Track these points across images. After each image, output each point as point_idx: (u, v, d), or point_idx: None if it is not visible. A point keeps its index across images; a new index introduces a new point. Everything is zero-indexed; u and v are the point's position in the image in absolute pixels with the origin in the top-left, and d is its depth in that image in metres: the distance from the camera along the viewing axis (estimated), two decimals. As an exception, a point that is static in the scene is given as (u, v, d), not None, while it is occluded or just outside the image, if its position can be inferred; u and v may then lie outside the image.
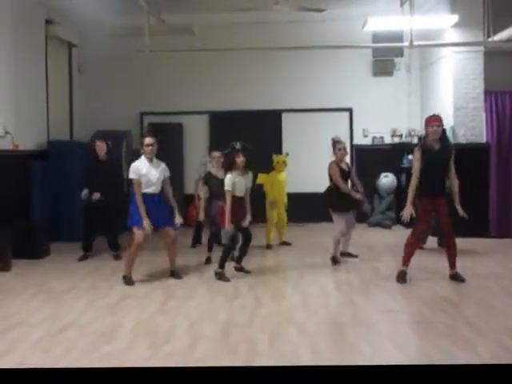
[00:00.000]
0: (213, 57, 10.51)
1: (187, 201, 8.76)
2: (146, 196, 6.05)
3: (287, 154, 8.40)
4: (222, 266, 6.25)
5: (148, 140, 6.11)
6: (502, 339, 4.18)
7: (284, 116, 11.10)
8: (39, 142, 9.13)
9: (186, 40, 10.29)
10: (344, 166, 6.95)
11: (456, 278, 6.00)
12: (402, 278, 5.98)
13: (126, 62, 10.81)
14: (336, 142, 6.93)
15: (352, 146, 10.74)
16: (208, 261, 7.12)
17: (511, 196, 9.03)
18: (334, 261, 6.90)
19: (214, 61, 10.69)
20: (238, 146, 6.23)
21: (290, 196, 8.46)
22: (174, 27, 10.09)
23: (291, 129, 10.96)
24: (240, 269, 6.53)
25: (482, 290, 5.70)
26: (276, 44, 9.88)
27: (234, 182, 6.17)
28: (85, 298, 5.56)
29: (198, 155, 9.59)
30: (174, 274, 6.35)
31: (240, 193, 6.26)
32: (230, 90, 10.97)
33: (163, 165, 6.27)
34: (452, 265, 6.06)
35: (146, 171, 6.07)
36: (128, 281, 6.09)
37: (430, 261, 6.95)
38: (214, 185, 7.00)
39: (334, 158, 6.93)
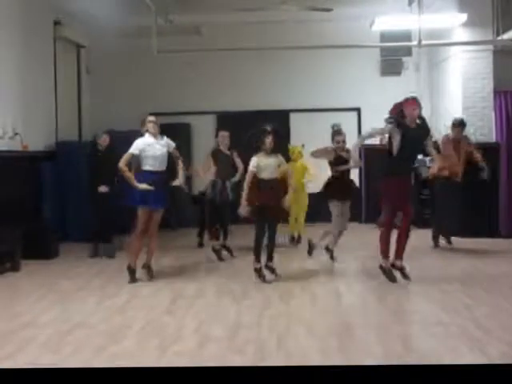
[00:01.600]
0: (220, 57, 10.50)
1: (195, 201, 8.74)
2: (148, 173, 5.98)
3: (303, 146, 8.39)
4: (257, 259, 6.11)
5: (150, 117, 6.18)
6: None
7: (292, 116, 11.09)
8: (48, 142, 9.16)
9: (194, 40, 10.32)
10: (342, 154, 6.86)
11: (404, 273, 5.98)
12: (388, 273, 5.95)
13: (134, 62, 10.83)
14: (335, 133, 6.89)
15: (361, 145, 10.67)
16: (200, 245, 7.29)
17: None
18: (330, 254, 6.92)
19: (222, 61, 10.68)
20: (268, 127, 6.20)
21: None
22: (182, 28, 10.11)
23: (299, 129, 10.92)
24: (270, 268, 6.27)
25: (492, 290, 5.65)
26: (284, 44, 9.86)
27: (259, 165, 6.08)
28: (93, 298, 5.57)
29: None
30: (148, 268, 6.22)
31: (267, 175, 6.10)
32: (238, 90, 10.97)
33: (166, 138, 6.23)
34: (400, 254, 6.00)
35: (149, 147, 6.03)
36: (131, 273, 6.01)
37: (441, 260, 6.92)
38: (222, 159, 7.18)
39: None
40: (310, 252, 7.14)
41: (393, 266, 5.99)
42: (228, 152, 7.40)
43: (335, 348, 4.08)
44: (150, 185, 5.89)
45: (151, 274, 6.24)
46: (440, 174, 7.37)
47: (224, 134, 7.39)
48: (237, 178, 7.32)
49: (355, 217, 9.70)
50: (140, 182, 5.93)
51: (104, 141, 7.71)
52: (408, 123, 5.91)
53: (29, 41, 8.64)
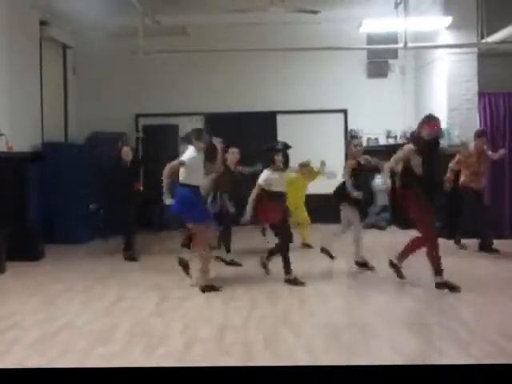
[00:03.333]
0: (208, 58, 10.51)
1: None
2: (193, 188, 5.83)
3: (323, 163, 8.05)
4: (287, 271, 6.13)
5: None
6: (498, 341, 4.19)
7: (279, 117, 11.12)
8: (34, 143, 9.10)
9: (181, 41, 10.32)
10: (361, 160, 6.65)
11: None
12: (452, 287, 5.67)
13: (121, 63, 10.80)
14: (353, 137, 6.78)
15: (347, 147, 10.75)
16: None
17: (505, 197, 9.05)
18: (327, 254, 6.93)
19: (209, 62, 10.69)
20: (279, 145, 6.29)
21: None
22: (169, 28, 10.11)
23: (286, 130, 10.96)
24: (263, 264, 6.42)
25: (479, 291, 5.68)
26: (271, 45, 9.90)
27: (270, 178, 6.15)
28: (80, 300, 5.55)
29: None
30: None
31: (279, 188, 6.20)
32: (225, 91, 10.98)
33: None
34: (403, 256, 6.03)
35: (197, 163, 5.88)
36: (211, 288, 5.79)
37: (427, 262, 6.97)
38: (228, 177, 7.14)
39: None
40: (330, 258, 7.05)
41: (391, 263, 6.02)
42: (233, 169, 7.24)
43: (322, 349, 4.10)
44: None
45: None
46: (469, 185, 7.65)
47: (234, 151, 7.29)
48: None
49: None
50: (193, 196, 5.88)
51: (127, 154, 7.73)
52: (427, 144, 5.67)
53: (15, 41, 8.59)
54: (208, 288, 5.78)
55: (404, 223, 8.99)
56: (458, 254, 7.61)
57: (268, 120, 11.04)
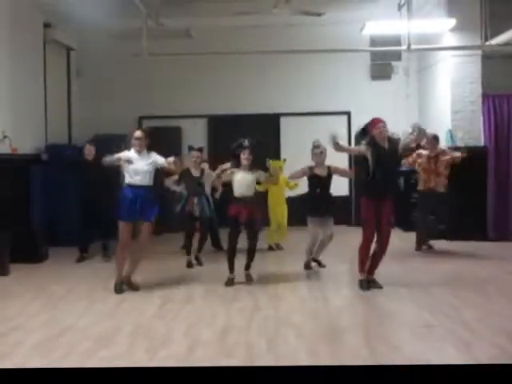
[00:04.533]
0: (211, 60, 10.52)
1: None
2: (130, 187, 5.94)
3: (284, 160, 8.35)
4: (230, 267, 6.17)
5: (136, 133, 6.09)
6: (500, 342, 4.18)
7: (282, 120, 11.13)
8: (37, 145, 9.13)
9: (185, 43, 10.33)
10: (319, 172, 6.62)
11: (374, 284, 5.95)
12: (363, 286, 5.88)
13: (125, 65, 10.81)
14: (314, 147, 6.69)
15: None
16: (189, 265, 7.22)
17: (509, 199, 9.04)
18: (306, 266, 6.80)
19: (213, 64, 10.70)
20: (245, 143, 6.13)
21: (290, 200, 8.37)
22: (173, 31, 10.12)
23: (289, 132, 10.98)
24: (247, 276, 6.30)
25: (480, 292, 5.69)
26: (274, 48, 9.90)
27: (234, 179, 6.08)
28: (83, 302, 5.56)
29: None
30: (130, 283, 6.02)
31: (241, 191, 6.07)
32: (229, 93, 10.99)
33: (154, 156, 6.07)
34: (372, 271, 5.98)
35: (133, 161, 5.93)
36: (116, 288, 5.89)
37: (428, 263, 6.96)
38: (189, 182, 7.29)
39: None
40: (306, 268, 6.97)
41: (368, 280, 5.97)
42: (196, 172, 7.43)
43: (324, 350, 4.10)
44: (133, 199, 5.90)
45: (134, 287, 6.03)
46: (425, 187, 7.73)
47: (194, 155, 7.47)
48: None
49: (344, 220, 9.77)
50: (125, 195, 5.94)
51: (89, 152, 7.81)
52: (380, 143, 5.80)
53: (18, 43, 8.62)
54: (118, 285, 5.89)
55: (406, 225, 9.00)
56: (459, 256, 7.60)
57: (271, 122, 11.04)
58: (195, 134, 11.01)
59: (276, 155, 9.14)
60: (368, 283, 5.89)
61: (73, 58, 10.78)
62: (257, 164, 6.15)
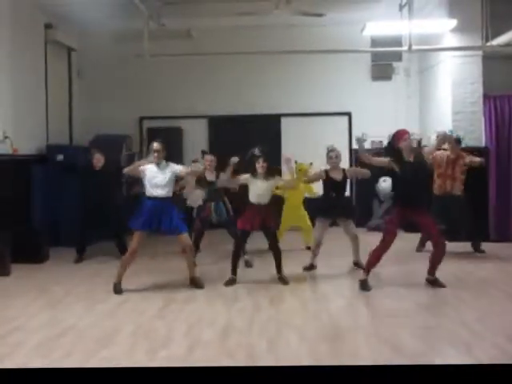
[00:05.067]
0: (212, 61, 10.53)
1: (187, 208, 8.67)
2: (150, 199, 6.02)
3: (311, 164, 8.09)
4: (233, 270, 6.26)
5: (154, 146, 6.12)
6: (501, 343, 4.19)
7: (283, 120, 11.12)
8: (38, 146, 9.13)
9: (186, 44, 10.34)
10: (334, 175, 6.70)
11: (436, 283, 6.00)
12: (364, 286, 5.94)
13: (126, 66, 10.83)
14: (330, 151, 6.76)
15: (351, 150, 10.76)
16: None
17: (510, 200, 9.03)
18: (308, 268, 6.88)
19: (214, 65, 10.71)
20: (256, 152, 6.21)
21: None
22: (174, 31, 10.13)
23: (290, 133, 10.98)
24: (280, 279, 6.32)
25: (482, 294, 5.69)
26: (275, 48, 9.90)
27: (250, 187, 6.19)
28: (84, 303, 5.56)
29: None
30: (194, 281, 6.18)
31: (256, 199, 6.19)
32: (230, 94, 11.00)
33: (171, 166, 6.12)
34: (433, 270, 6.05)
35: (152, 175, 6.02)
36: (116, 288, 5.97)
37: (426, 264, 6.95)
38: (204, 187, 7.20)
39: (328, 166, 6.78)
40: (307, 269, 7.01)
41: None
42: (212, 176, 7.29)
43: (325, 351, 4.10)
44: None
45: (198, 285, 6.13)
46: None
47: (208, 158, 7.33)
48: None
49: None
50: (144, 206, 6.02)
51: (98, 161, 7.77)
52: (405, 157, 5.84)
53: (19, 43, 8.63)
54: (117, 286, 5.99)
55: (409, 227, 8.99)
56: (459, 257, 7.60)
57: (272, 123, 11.04)
58: (196, 135, 11.03)
59: (277, 156, 9.11)
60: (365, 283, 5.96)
61: (74, 59, 10.78)
62: (271, 170, 6.25)
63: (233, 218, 7.13)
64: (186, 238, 6.15)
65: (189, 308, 5.35)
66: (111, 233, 7.76)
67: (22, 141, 8.47)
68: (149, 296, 5.81)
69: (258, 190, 6.20)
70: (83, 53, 10.83)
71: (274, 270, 6.41)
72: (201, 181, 7.26)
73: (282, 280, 6.27)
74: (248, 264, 7.09)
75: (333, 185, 6.69)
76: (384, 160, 5.97)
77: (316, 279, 6.55)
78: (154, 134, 10.84)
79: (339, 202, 6.70)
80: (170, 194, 6.11)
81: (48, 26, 9.57)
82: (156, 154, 6.07)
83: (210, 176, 7.29)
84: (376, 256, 5.93)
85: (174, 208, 6.09)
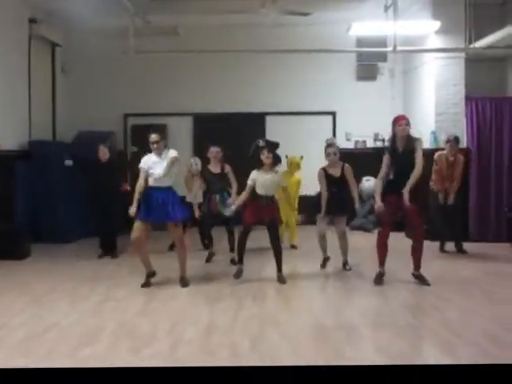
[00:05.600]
0: (198, 59, 10.51)
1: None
2: (151, 189, 6.01)
3: (302, 157, 8.24)
4: (239, 259, 6.28)
5: (152, 137, 6.13)
6: (481, 342, 4.24)
7: (268, 119, 11.15)
8: (21, 142, 9.05)
9: (171, 41, 10.30)
10: (333, 172, 6.74)
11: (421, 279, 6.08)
12: (379, 279, 6.07)
13: (111, 62, 10.77)
14: (327, 146, 6.79)
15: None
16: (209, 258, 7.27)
17: (490, 201, 9.14)
18: (323, 263, 6.93)
19: (199, 63, 10.69)
20: (261, 143, 6.21)
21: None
22: (159, 28, 10.09)
23: (275, 131, 10.96)
24: (279, 277, 6.29)
25: (463, 293, 5.76)
26: (261, 47, 9.92)
27: (256, 179, 6.19)
28: (67, 300, 5.53)
29: (182, 157, 9.53)
30: (181, 280, 6.14)
31: (263, 191, 6.20)
32: (215, 91, 11.00)
33: (170, 153, 6.09)
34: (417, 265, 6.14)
35: (151, 165, 6.03)
36: (149, 275, 6.10)
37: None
38: (211, 179, 7.20)
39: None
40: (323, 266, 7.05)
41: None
42: (217, 168, 7.29)
43: (308, 350, 4.13)
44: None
45: (184, 283, 6.13)
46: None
47: (213, 150, 7.29)
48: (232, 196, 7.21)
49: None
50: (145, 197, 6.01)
51: (104, 153, 7.76)
52: (398, 146, 5.96)
53: (3, 38, 8.54)
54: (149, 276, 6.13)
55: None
56: (441, 256, 7.70)
57: (257, 121, 11.06)
58: (181, 132, 11.01)
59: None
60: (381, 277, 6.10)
61: (58, 54, 10.69)
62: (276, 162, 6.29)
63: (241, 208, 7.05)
64: (177, 229, 6.11)
65: (172, 306, 5.35)
66: (110, 227, 7.73)
67: (4, 136, 8.38)
68: (131, 294, 5.79)
69: (265, 181, 6.22)
70: (68, 48, 10.74)
71: (257, 268, 6.43)
72: (205, 173, 7.27)
73: (280, 279, 6.24)
74: (233, 262, 7.10)
75: (332, 181, 6.71)
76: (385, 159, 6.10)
77: (299, 278, 6.58)
78: (138, 130, 10.82)
79: (341, 196, 6.72)
80: (170, 183, 6.09)
81: (32, 21, 9.48)
82: (155, 146, 6.07)
83: (215, 168, 7.28)
84: (380, 246, 6.11)
85: (174, 196, 6.08)
